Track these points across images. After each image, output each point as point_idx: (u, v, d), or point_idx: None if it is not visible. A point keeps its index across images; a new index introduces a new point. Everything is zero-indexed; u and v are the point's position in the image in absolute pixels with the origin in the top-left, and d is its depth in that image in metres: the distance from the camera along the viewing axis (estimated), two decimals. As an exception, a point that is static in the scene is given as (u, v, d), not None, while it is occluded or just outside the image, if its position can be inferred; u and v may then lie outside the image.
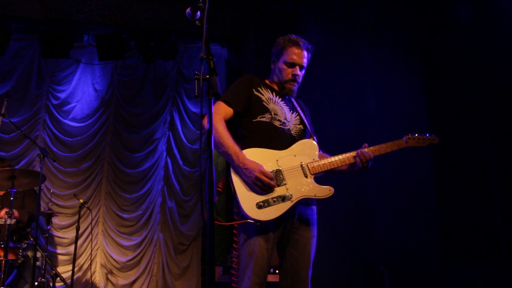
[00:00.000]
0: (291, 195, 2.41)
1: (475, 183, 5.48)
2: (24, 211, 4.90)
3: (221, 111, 2.55)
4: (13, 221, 4.31)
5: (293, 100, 2.80)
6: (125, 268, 6.28)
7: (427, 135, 2.76)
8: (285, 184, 2.43)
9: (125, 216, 6.43)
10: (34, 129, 6.31)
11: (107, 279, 6.19)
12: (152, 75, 6.79)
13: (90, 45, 6.50)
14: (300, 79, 2.72)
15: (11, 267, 4.69)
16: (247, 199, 2.35)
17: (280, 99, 2.71)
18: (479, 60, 5.51)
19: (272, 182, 2.35)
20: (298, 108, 2.78)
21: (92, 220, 6.16)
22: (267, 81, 2.79)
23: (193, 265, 6.43)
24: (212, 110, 1.77)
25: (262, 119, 2.58)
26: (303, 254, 2.51)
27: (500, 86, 5.27)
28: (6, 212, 4.28)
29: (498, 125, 5.24)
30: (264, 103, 2.62)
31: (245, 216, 2.33)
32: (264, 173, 2.34)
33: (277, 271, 4.31)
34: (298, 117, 2.73)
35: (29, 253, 4.80)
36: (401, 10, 6.48)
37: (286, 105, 2.72)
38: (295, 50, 2.68)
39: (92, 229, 6.18)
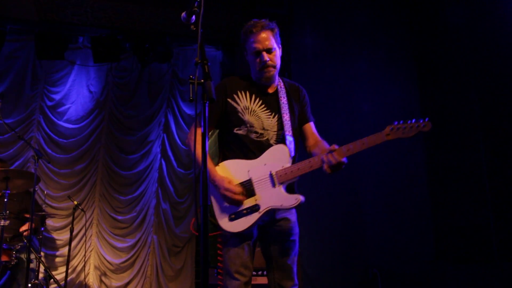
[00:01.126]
0: (259, 206, 2.42)
1: (468, 185, 5.51)
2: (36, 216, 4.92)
3: (198, 129, 2.63)
4: (7, 222, 4.31)
5: (280, 92, 2.64)
6: (119, 270, 6.28)
7: (413, 121, 2.28)
8: (254, 195, 2.44)
9: (119, 218, 6.43)
10: (28, 131, 6.31)
11: (101, 281, 6.19)
12: (147, 77, 6.80)
13: (85, 47, 6.51)
14: (275, 61, 2.56)
15: (4, 269, 4.68)
16: (222, 212, 2.46)
17: (260, 101, 2.60)
18: (472, 63, 5.56)
19: (236, 196, 2.38)
20: (283, 103, 2.61)
21: (86, 221, 6.15)
22: (251, 76, 2.68)
23: (187, 267, 6.44)
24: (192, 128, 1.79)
25: (238, 132, 2.55)
26: (287, 252, 2.52)
27: (493, 89, 5.32)
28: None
29: (491, 128, 5.29)
30: (239, 115, 2.56)
31: (220, 228, 2.45)
32: (228, 189, 2.38)
33: (264, 273, 4.34)
34: (278, 121, 2.58)
35: (23, 255, 4.78)
36: (395, 14, 6.53)
37: (267, 109, 2.59)
38: (254, 38, 2.52)
39: (86, 230, 6.18)
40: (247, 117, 2.57)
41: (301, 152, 2.69)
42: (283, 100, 2.61)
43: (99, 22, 5.83)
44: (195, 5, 2.07)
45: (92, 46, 6.27)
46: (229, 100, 2.58)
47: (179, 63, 6.87)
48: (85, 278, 6.06)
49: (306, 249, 5.42)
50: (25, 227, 4.86)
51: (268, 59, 2.52)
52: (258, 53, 2.53)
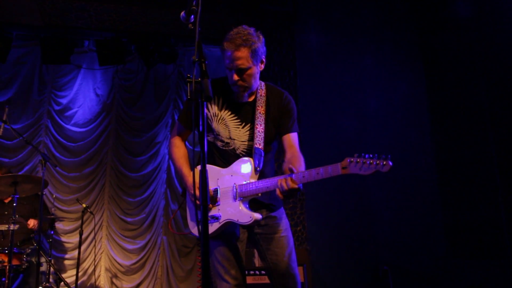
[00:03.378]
0: (220, 216, 2.42)
1: (478, 181, 5.45)
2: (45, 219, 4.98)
3: (175, 132, 2.68)
4: (16, 226, 4.35)
5: (258, 101, 2.51)
6: (129, 271, 6.30)
7: (375, 156, 2.09)
8: (218, 205, 2.44)
9: (129, 219, 6.44)
10: (37, 135, 6.36)
11: (112, 282, 6.21)
12: (153, 78, 6.81)
13: (91, 50, 6.53)
14: (248, 82, 2.41)
15: (16, 273, 4.73)
16: (191, 215, 2.55)
17: (232, 110, 2.52)
18: (480, 58, 5.49)
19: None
20: (259, 113, 2.49)
21: (95, 224, 6.18)
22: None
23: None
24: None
25: (208, 138, 2.53)
26: (280, 248, 2.50)
27: (501, 84, 5.25)
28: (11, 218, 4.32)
29: (500, 123, 5.22)
30: (208, 121, 2.52)
31: (188, 230, 2.54)
32: (194, 195, 2.34)
33: (263, 272, 4.34)
34: (249, 132, 2.48)
35: (33, 259, 4.82)
36: (400, 8, 6.48)
37: (237, 118, 2.51)
38: (227, 53, 2.38)
39: (96, 233, 6.20)
40: (214, 124, 2.53)
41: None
42: (260, 110, 2.49)
43: (103, 25, 5.85)
44: (194, 4, 2.06)
45: (97, 49, 6.29)
46: None
47: (185, 64, 6.86)
48: (96, 280, 6.09)
49: (316, 246, 5.41)
50: (32, 222, 4.88)
51: (237, 79, 2.40)
52: (230, 69, 2.41)
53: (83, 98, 6.62)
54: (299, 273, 2.59)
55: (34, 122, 6.38)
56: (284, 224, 2.56)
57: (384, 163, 2.06)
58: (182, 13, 2.11)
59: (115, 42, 6.23)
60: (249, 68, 2.39)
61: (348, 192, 5.73)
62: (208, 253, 1.69)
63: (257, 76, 2.48)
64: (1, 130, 4.62)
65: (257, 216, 2.36)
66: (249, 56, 2.36)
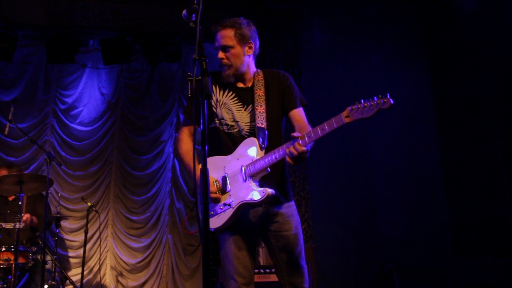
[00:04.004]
0: (232, 201, 2.42)
1: (484, 177, 5.42)
2: (40, 217, 4.98)
3: (182, 126, 2.74)
4: (22, 225, 4.38)
5: (256, 85, 2.60)
6: (135, 270, 6.32)
7: (375, 98, 2.09)
8: (228, 191, 2.44)
9: (134, 218, 6.47)
10: (42, 134, 6.40)
11: (117, 281, 6.24)
12: (158, 77, 6.82)
13: (96, 50, 6.55)
14: (231, 61, 2.52)
15: (22, 271, 4.76)
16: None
17: (233, 94, 2.61)
18: (486, 53, 5.45)
19: (210, 195, 2.40)
20: (257, 95, 2.57)
21: (101, 222, 6.21)
22: None
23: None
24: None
25: (213, 126, 2.59)
26: (290, 245, 2.50)
27: (508, 80, 5.20)
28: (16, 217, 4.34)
29: (507, 119, 5.18)
30: (212, 108, 2.59)
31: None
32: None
33: (273, 270, 4.34)
34: (251, 113, 2.56)
35: (39, 256, 4.85)
36: (405, 5, 6.44)
37: (239, 101, 2.59)
38: (215, 36, 2.56)
39: (101, 231, 6.23)
40: (218, 109, 2.59)
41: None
42: (259, 92, 2.58)
43: (107, 24, 5.85)
44: (195, 2, 2.06)
45: (102, 48, 6.31)
46: None
47: (189, 62, 6.85)
48: (101, 279, 6.11)
49: (321, 244, 5.40)
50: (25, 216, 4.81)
51: (222, 57, 2.53)
52: (217, 49, 2.56)
53: (88, 97, 6.65)
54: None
55: (39, 121, 6.42)
56: (295, 222, 2.55)
57: (385, 100, 2.07)
58: (184, 12, 2.12)
59: (120, 41, 6.24)
60: (232, 47, 2.51)
61: (353, 190, 5.72)
62: (208, 251, 1.70)
63: (244, 59, 2.57)
64: (7, 129, 4.66)
65: (270, 190, 2.35)
66: (233, 35, 2.52)
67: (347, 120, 2.14)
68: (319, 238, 5.41)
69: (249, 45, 2.57)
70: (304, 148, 2.23)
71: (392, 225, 5.67)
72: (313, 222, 5.45)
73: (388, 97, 2.07)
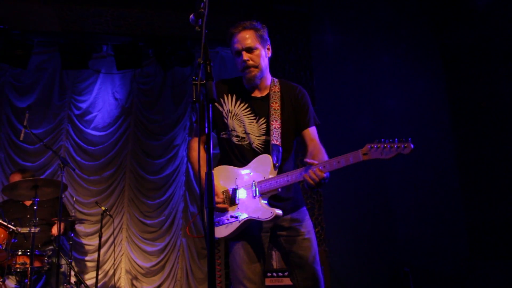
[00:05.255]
0: (240, 215, 2.40)
1: (501, 179, 5.31)
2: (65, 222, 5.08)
3: (193, 134, 2.71)
4: (37, 229, 4.43)
5: (272, 97, 2.55)
6: (149, 273, 6.35)
7: (395, 141, 2.10)
8: (237, 203, 2.43)
9: (148, 222, 6.51)
10: (58, 140, 6.49)
11: (132, 284, 6.28)
12: (170, 82, 6.87)
13: (109, 55, 6.63)
14: (256, 61, 2.48)
15: (39, 274, 4.83)
16: None
17: (246, 105, 2.55)
18: (502, 52, 5.35)
19: (218, 205, 2.39)
20: (273, 109, 2.52)
21: (115, 226, 6.26)
22: (242, 79, 2.61)
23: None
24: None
25: (223, 136, 2.56)
26: (304, 251, 2.47)
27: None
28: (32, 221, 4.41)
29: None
30: (223, 119, 2.56)
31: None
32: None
33: (285, 273, 4.31)
34: (264, 125, 2.51)
35: (54, 259, 4.91)
36: (417, 4, 6.37)
37: (251, 112, 2.54)
38: (234, 39, 2.50)
39: (116, 235, 6.28)
40: (229, 120, 2.55)
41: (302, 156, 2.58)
42: (274, 106, 2.53)
43: (120, 30, 5.93)
44: (201, 6, 2.05)
45: (115, 54, 6.38)
46: (216, 104, 2.56)
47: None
48: (116, 282, 6.16)
49: (334, 248, 5.35)
50: (54, 229, 5.00)
51: (247, 58, 2.46)
52: (239, 53, 2.49)
53: (102, 102, 6.73)
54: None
55: (55, 126, 6.52)
56: (308, 226, 2.53)
57: (406, 145, 2.07)
58: (191, 16, 2.10)
59: (132, 46, 6.31)
60: (256, 48, 2.48)
61: (367, 192, 5.66)
62: (214, 256, 1.69)
63: (266, 60, 2.55)
64: (22, 135, 4.74)
65: (278, 211, 2.34)
66: (255, 37, 2.49)
67: (364, 158, 2.14)
68: (333, 242, 5.36)
69: (267, 47, 2.57)
70: (325, 175, 2.19)
71: (407, 227, 5.59)
72: (326, 225, 5.40)
73: (410, 141, 2.07)
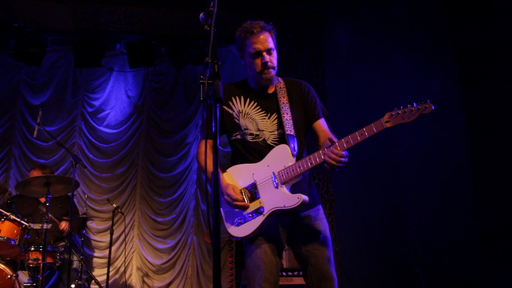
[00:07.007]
0: (263, 208, 2.38)
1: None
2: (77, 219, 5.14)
3: (203, 140, 2.70)
4: (49, 225, 4.47)
5: (279, 93, 2.59)
6: (160, 270, 6.39)
7: (414, 104, 2.11)
8: (259, 198, 2.41)
9: (160, 219, 6.54)
10: (71, 137, 6.56)
11: (143, 281, 6.32)
12: (183, 80, 6.89)
13: (122, 53, 6.67)
14: (274, 63, 2.53)
15: (51, 270, 4.88)
16: (229, 218, 2.47)
17: (255, 104, 2.58)
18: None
19: (234, 202, 2.39)
20: (282, 103, 2.55)
21: (127, 224, 6.30)
22: (248, 81, 2.66)
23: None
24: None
25: (236, 137, 2.56)
26: (319, 250, 2.46)
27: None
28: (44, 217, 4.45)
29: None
30: (235, 120, 2.57)
31: (229, 234, 2.46)
32: (228, 194, 2.40)
33: (300, 273, 4.28)
34: (276, 121, 2.54)
35: (66, 255, 4.95)
36: (431, 3, 6.29)
37: (262, 110, 2.57)
38: (254, 39, 2.48)
39: (127, 232, 6.32)
40: (241, 121, 2.56)
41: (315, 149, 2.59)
42: (283, 100, 2.56)
43: (132, 28, 5.96)
44: (211, 4, 2.04)
45: (127, 52, 6.42)
46: (225, 107, 2.58)
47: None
48: (127, 279, 6.20)
49: (345, 248, 5.32)
50: (64, 224, 5.05)
51: (268, 60, 2.49)
52: (259, 54, 2.49)
53: (115, 100, 6.78)
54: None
55: (68, 124, 6.58)
56: (323, 225, 2.52)
57: (426, 105, 2.09)
58: (201, 15, 2.11)
59: (145, 44, 6.34)
60: (274, 49, 2.54)
61: (378, 192, 5.62)
62: (219, 256, 1.68)
63: (277, 61, 2.59)
64: (35, 132, 4.79)
65: (304, 197, 2.31)
66: (273, 38, 2.54)
67: (387, 125, 2.15)
68: (344, 241, 5.34)
69: (277, 49, 2.60)
70: (344, 152, 2.20)
71: (419, 228, 5.54)
72: (337, 225, 5.38)
73: (429, 102, 2.08)
